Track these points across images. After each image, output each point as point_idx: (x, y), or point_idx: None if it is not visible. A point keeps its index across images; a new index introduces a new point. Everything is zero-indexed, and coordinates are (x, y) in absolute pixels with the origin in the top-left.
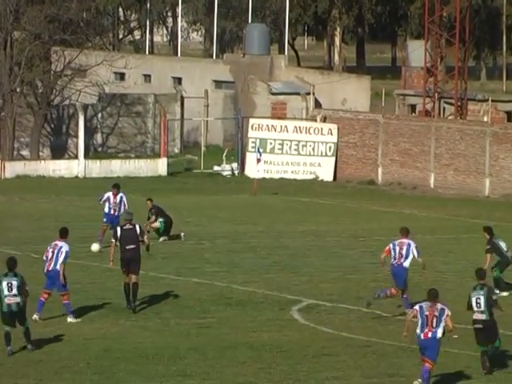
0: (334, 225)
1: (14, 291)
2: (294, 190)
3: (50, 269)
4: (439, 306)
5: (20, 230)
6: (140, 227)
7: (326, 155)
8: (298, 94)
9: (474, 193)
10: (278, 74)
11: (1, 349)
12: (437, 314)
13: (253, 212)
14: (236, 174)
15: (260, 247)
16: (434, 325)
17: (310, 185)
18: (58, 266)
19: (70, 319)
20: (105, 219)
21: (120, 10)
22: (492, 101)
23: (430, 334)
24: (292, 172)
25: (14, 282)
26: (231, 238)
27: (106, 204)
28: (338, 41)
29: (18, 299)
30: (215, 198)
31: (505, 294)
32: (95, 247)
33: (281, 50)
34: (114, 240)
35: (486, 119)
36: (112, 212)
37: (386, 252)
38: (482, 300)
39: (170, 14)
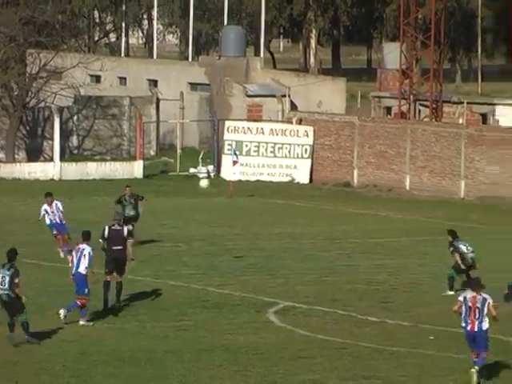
0: (310, 227)
1: (6, 286)
2: (270, 193)
3: (73, 273)
4: (482, 296)
5: None
6: (128, 229)
7: (302, 157)
8: (273, 96)
9: (449, 195)
10: (253, 77)
11: None
12: (479, 305)
13: (229, 214)
14: (212, 176)
15: (236, 249)
16: (477, 316)
17: (286, 187)
18: (79, 270)
19: (82, 322)
20: (55, 231)
21: (95, 12)
22: (467, 103)
23: (476, 327)
24: (268, 174)
25: (7, 277)
26: (208, 241)
27: (47, 216)
28: (313, 43)
29: (6, 291)
30: (191, 200)
31: (451, 292)
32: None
33: (256, 53)
34: (101, 240)
35: (461, 121)
36: (55, 221)
37: None
38: None
39: (145, 16)
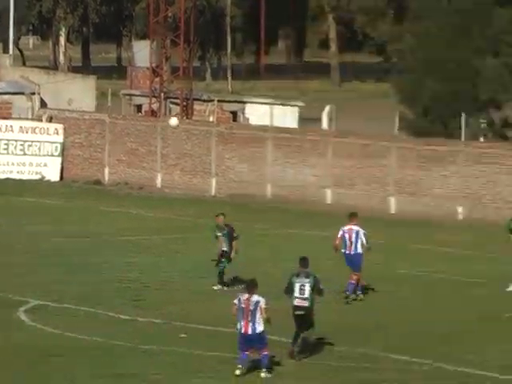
0: (60, 225)
1: None
2: (19, 191)
3: None
4: (255, 298)
5: None
6: None
7: (53, 155)
8: (22, 93)
9: (200, 192)
10: (2, 74)
11: None
12: (251, 307)
13: None
14: None
15: None
16: (250, 318)
17: (36, 185)
18: None
19: None
20: None
21: None
22: (218, 101)
23: (250, 330)
24: (18, 172)
25: None
26: None
27: None
28: (63, 40)
29: None
30: None
31: (215, 287)
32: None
33: (5, 49)
34: None
35: (211, 119)
36: None
37: (338, 239)
38: (307, 287)
39: None
